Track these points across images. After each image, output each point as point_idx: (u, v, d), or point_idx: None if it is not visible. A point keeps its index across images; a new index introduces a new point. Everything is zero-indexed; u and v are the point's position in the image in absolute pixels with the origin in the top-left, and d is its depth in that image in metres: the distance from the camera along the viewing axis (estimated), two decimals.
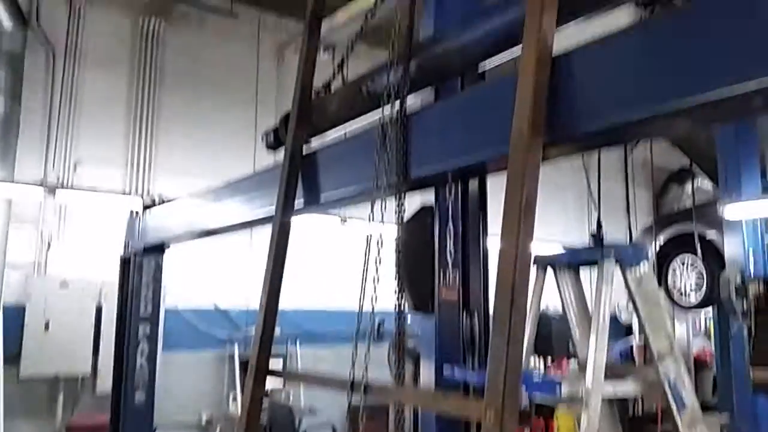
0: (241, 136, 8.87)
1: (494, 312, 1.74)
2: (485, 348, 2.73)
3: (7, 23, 6.90)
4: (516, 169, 1.78)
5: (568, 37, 1.95)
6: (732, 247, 6.56)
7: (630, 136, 1.99)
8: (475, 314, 2.83)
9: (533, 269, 2.94)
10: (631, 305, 2.72)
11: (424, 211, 3.04)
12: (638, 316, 2.63)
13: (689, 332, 10.81)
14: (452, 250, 2.80)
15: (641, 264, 2.51)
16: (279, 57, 9.85)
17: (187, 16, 8.94)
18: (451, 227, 2.76)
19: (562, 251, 3.26)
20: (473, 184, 2.83)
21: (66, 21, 8.02)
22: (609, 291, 2.59)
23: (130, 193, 8.05)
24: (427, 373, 3.06)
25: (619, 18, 2.00)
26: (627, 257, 2.48)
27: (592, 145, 2.06)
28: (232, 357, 8.82)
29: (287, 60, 9.71)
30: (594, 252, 2.60)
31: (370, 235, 2.45)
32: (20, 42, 7.60)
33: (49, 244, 7.62)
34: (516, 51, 2.01)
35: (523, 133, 1.76)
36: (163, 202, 5.15)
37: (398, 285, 2.49)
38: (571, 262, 2.82)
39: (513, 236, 1.72)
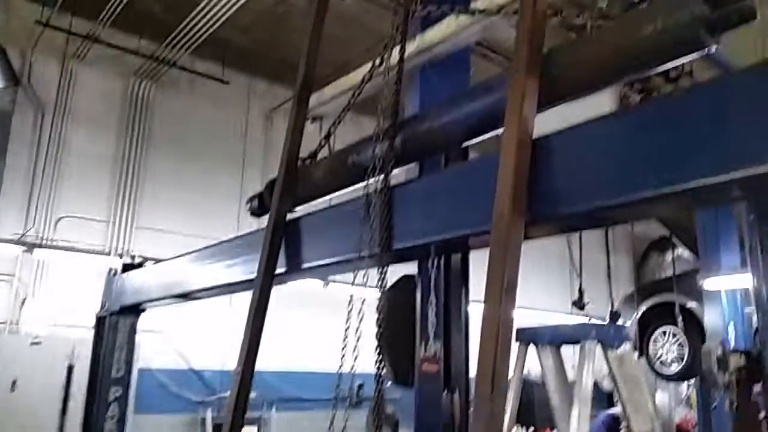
0: (226, 200, 8.90)
1: (475, 397, 1.70)
2: (466, 428, 2.67)
3: None
4: (498, 249, 1.78)
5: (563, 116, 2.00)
6: (713, 319, 6.58)
7: (610, 220, 2.01)
8: (457, 390, 2.77)
9: (515, 345, 2.92)
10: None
11: (406, 280, 3.03)
12: (619, 396, 2.60)
13: (671, 401, 10.70)
14: (434, 323, 2.78)
15: (622, 345, 2.49)
16: (268, 122, 10.02)
17: (177, 80, 9.10)
18: (434, 299, 2.75)
19: (545, 321, 3.25)
20: (456, 258, 2.83)
21: (57, 81, 8.12)
22: (590, 368, 2.57)
23: (110, 252, 7.95)
24: None
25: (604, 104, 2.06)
26: (608, 338, 2.47)
27: (572, 226, 2.08)
28: (204, 421, 8.52)
29: (276, 125, 9.87)
30: (576, 331, 2.58)
31: (352, 303, 2.43)
32: (10, 99, 7.65)
33: (23, 301, 7.44)
34: (499, 130, 2.05)
35: (504, 214, 1.78)
36: (143, 263, 5.08)
37: (378, 356, 2.44)
38: (552, 340, 2.80)
39: (494, 318, 1.71)
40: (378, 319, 2.46)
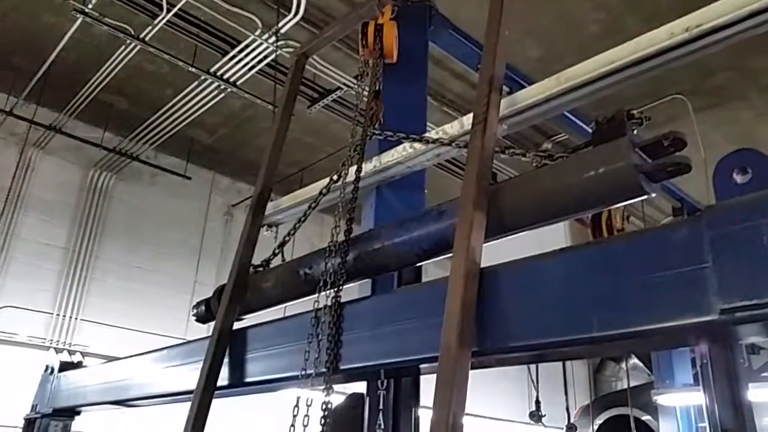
0: (179, 293, 8.71)
1: None
2: None
3: None
4: (444, 379, 1.75)
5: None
6: None
7: (556, 357, 2.01)
8: None
9: None
10: None
11: (353, 397, 2.93)
12: None
13: None
14: None
15: None
16: (228, 216, 10.03)
17: (139, 172, 9.13)
18: (382, 423, 2.65)
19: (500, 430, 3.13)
20: (407, 381, 2.77)
21: (14, 167, 8.04)
22: None
23: (52, 343, 7.56)
24: None
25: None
26: None
27: (519, 360, 2.07)
28: None
29: (235, 218, 9.87)
30: None
31: (297, 408, 2.33)
32: None
33: None
34: (450, 254, 2.07)
35: (450, 345, 1.76)
36: (81, 362, 4.83)
37: None
38: None
39: None
40: None
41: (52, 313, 7.93)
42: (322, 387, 2.39)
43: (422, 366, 2.15)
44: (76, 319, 8.04)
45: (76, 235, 8.38)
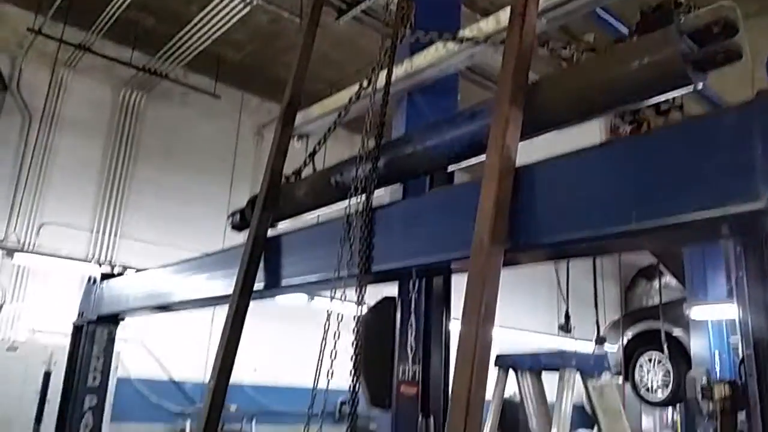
0: (213, 212, 8.84)
1: (447, 424, 1.66)
2: None
3: None
4: (476, 276, 1.75)
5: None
6: (698, 347, 6.59)
7: (591, 251, 1.99)
8: (432, 417, 2.73)
9: (495, 370, 2.89)
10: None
11: (386, 302, 2.99)
12: (598, 428, 2.57)
13: (657, 426, 10.70)
14: (413, 345, 2.74)
15: (603, 375, 2.46)
16: (258, 137, 10.02)
17: (169, 92, 9.09)
18: (413, 322, 2.71)
19: (531, 342, 3.21)
20: (438, 280, 2.80)
21: (47, 87, 8.08)
22: (569, 395, 2.54)
23: (93, 260, 7.86)
24: None
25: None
26: (588, 368, 2.44)
27: (553, 256, 2.06)
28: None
29: (267, 140, 9.85)
30: (555, 359, 2.55)
31: (329, 320, 2.39)
32: None
33: (1, 306, 7.33)
34: (483, 156, 2.03)
35: (483, 241, 1.75)
36: (123, 272, 5.02)
37: (354, 377, 2.39)
38: (533, 367, 2.76)
39: (470, 345, 1.68)
40: (355, 340, 2.42)
41: (92, 231, 8.19)
42: (355, 288, 2.43)
43: (453, 265, 2.16)
44: (115, 236, 8.29)
45: (111, 155, 8.50)
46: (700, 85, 1.66)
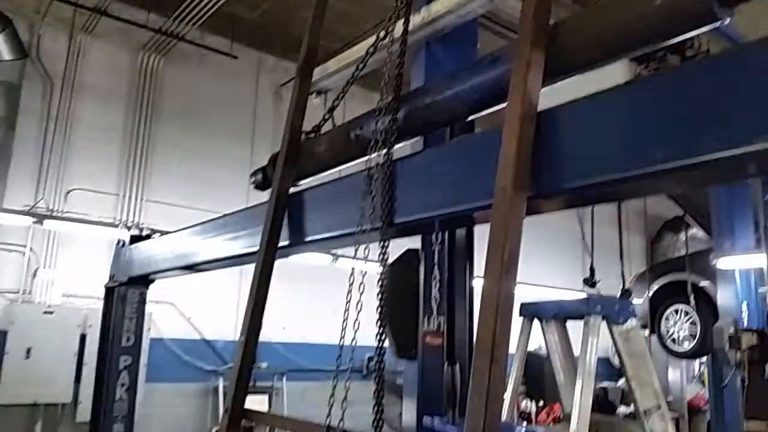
0: (235, 173, 8.87)
1: (473, 369, 1.69)
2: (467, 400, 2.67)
3: (7, 55, 6.94)
4: (499, 223, 1.75)
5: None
6: (725, 298, 6.53)
7: (616, 195, 1.97)
8: (458, 364, 2.77)
9: (519, 319, 2.90)
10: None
11: (409, 254, 3.01)
12: (624, 373, 2.58)
13: (683, 378, 10.72)
14: (437, 297, 2.77)
15: (628, 320, 2.46)
16: (277, 97, 9.96)
17: (187, 54, 9.04)
18: (437, 274, 2.73)
19: (554, 297, 3.21)
20: (460, 232, 2.81)
21: (66, 54, 8.09)
22: (595, 343, 2.54)
23: (120, 224, 7.99)
24: (408, 419, 3.00)
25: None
26: (613, 313, 2.44)
27: (577, 201, 2.03)
28: (216, 390, 8.65)
29: (285, 99, 9.79)
30: (580, 306, 2.55)
31: (353, 276, 2.42)
32: (18, 73, 7.66)
33: (35, 271, 7.53)
34: (505, 104, 2.00)
35: (506, 188, 1.74)
36: (151, 234, 5.11)
37: (380, 329, 2.44)
38: (557, 315, 2.77)
39: (494, 291, 1.69)
40: (380, 292, 2.44)
41: (118, 195, 8.31)
42: (378, 242, 2.45)
43: (476, 214, 2.15)
44: (141, 199, 8.40)
45: (132, 119, 8.55)
46: (727, 20, 1.60)
